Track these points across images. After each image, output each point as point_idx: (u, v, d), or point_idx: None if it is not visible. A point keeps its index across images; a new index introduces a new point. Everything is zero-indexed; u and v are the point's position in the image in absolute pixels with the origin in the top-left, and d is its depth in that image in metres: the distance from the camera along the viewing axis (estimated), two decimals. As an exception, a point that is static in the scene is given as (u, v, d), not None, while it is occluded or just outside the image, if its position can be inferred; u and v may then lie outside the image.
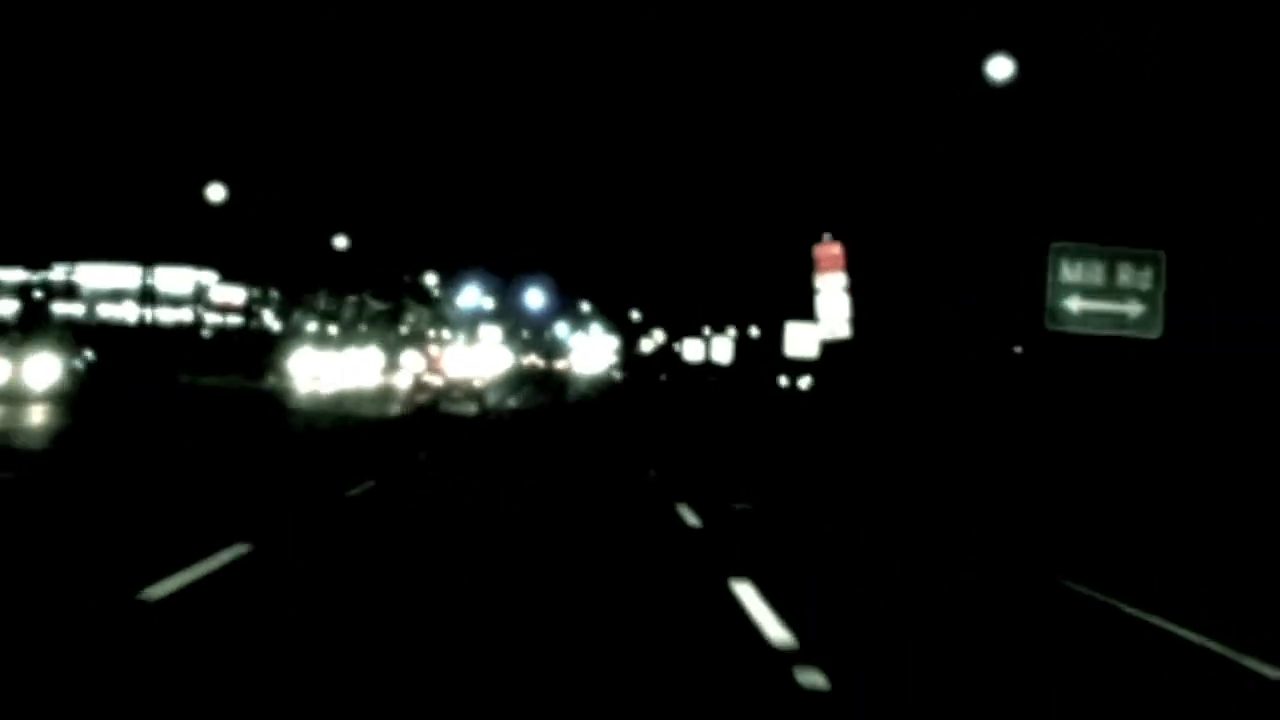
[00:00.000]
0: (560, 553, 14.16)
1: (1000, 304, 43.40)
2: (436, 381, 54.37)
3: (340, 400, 48.81)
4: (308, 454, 25.58)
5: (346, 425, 35.35)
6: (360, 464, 22.32)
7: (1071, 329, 27.33)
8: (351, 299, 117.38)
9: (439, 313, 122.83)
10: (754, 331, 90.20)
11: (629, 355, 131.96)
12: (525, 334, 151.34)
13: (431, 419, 40.37)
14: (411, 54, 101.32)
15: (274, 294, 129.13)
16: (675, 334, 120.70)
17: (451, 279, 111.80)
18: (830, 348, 44.35)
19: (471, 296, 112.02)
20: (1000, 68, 32.15)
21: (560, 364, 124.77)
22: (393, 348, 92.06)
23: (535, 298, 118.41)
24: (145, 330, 75.67)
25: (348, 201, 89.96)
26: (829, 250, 38.28)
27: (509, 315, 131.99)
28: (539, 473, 23.97)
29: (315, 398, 49.82)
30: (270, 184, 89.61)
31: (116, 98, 73.56)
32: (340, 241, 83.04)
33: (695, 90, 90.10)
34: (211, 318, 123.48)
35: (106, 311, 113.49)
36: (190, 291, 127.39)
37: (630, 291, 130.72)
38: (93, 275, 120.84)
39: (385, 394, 56.87)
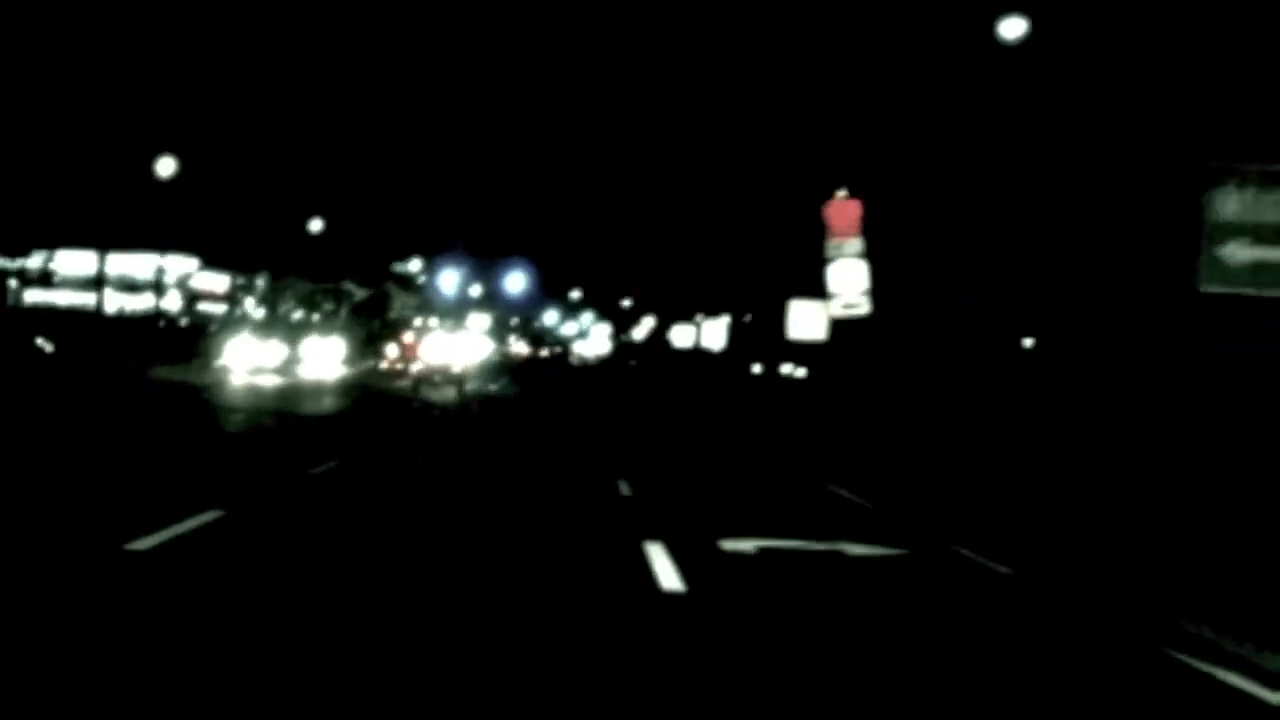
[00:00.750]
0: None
1: (1013, 292, 38.60)
2: (413, 368, 55.49)
3: (279, 393, 43.10)
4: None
5: (264, 423, 30.27)
6: (228, 475, 18.29)
7: (1238, 289, 20.14)
8: (329, 286, 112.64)
9: (423, 299, 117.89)
10: (750, 318, 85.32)
11: (617, 343, 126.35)
12: (514, 321, 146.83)
13: (370, 414, 35.74)
14: (389, 34, 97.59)
15: (259, 281, 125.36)
16: (666, 320, 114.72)
17: (433, 263, 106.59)
18: (841, 328, 38.55)
19: (450, 281, 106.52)
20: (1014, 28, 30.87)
21: (545, 352, 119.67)
22: (378, 336, 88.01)
23: (516, 281, 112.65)
24: (103, 319, 71.87)
25: (325, 185, 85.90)
26: (844, 210, 32.18)
27: (490, 300, 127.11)
28: (478, 500, 17.76)
29: (248, 390, 44.03)
30: (247, 167, 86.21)
31: (89, 82, 70.82)
32: (316, 225, 78.39)
33: (678, 54, 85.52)
34: (196, 305, 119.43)
35: (83, 299, 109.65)
36: (164, 278, 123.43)
37: (621, 278, 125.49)
38: (71, 262, 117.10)
39: (341, 386, 50.31)
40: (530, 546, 13.36)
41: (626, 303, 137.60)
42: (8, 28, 63.84)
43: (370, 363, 73.01)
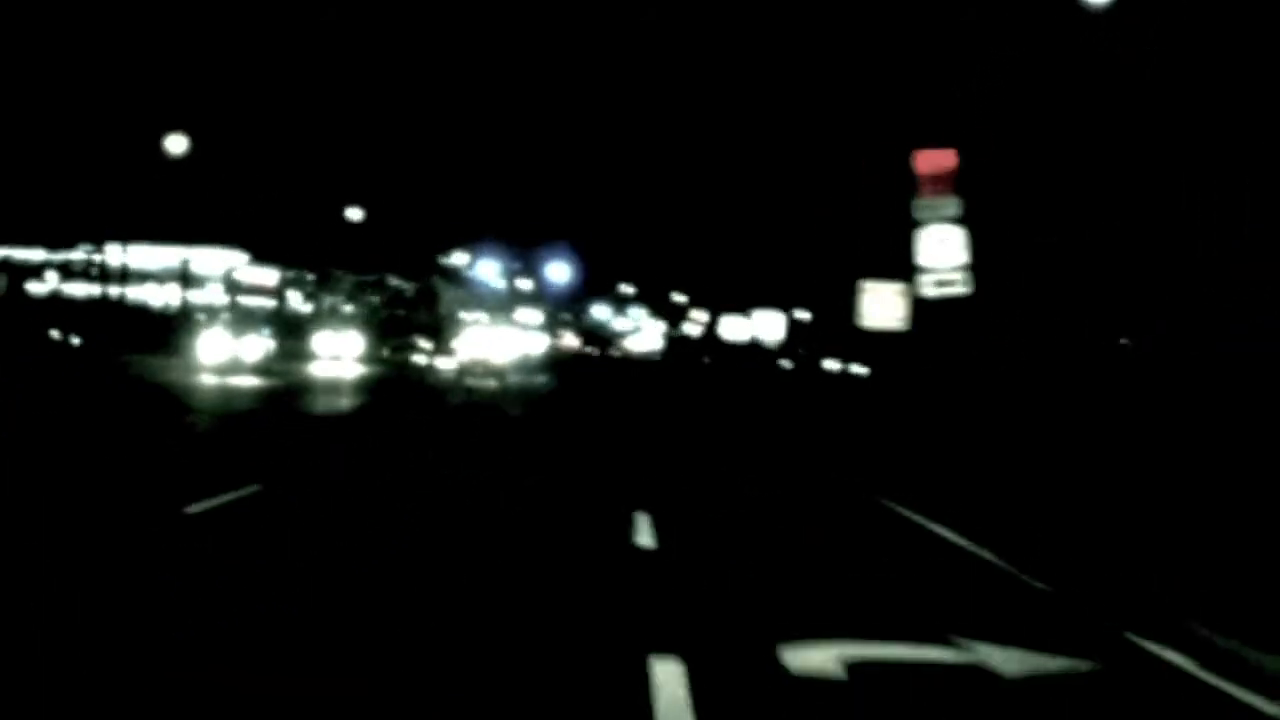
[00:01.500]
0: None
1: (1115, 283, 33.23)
2: (456, 361, 56.02)
3: (253, 392, 36.86)
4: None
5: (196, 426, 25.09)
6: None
7: None
8: (371, 279, 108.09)
9: (468, 293, 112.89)
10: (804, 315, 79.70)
11: (669, 340, 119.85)
12: (566, 316, 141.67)
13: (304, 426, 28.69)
14: (427, 20, 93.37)
15: (310, 276, 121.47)
16: (718, 313, 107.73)
17: (473, 252, 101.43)
18: (927, 314, 31.96)
19: (490, 270, 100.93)
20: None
21: (592, 348, 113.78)
22: (424, 329, 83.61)
23: (559, 271, 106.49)
24: (123, 310, 69.25)
25: (364, 175, 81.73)
26: (937, 161, 25.62)
27: (540, 295, 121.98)
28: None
29: (211, 384, 38.27)
30: (281, 156, 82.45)
31: (117, 72, 67.51)
32: (355, 214, 73.88)
33: (725, 35, 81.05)
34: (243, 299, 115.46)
35: (130, 292, 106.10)
36: (191, 270, 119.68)
37: (673, 271, 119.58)
38: (117, 256, 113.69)
39: (343, 385, 43.35)
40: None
41: (680, 298, 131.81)
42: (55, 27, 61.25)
43: (404, 356, 68.31)
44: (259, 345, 51.83)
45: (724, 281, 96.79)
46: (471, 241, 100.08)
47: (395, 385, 45.43)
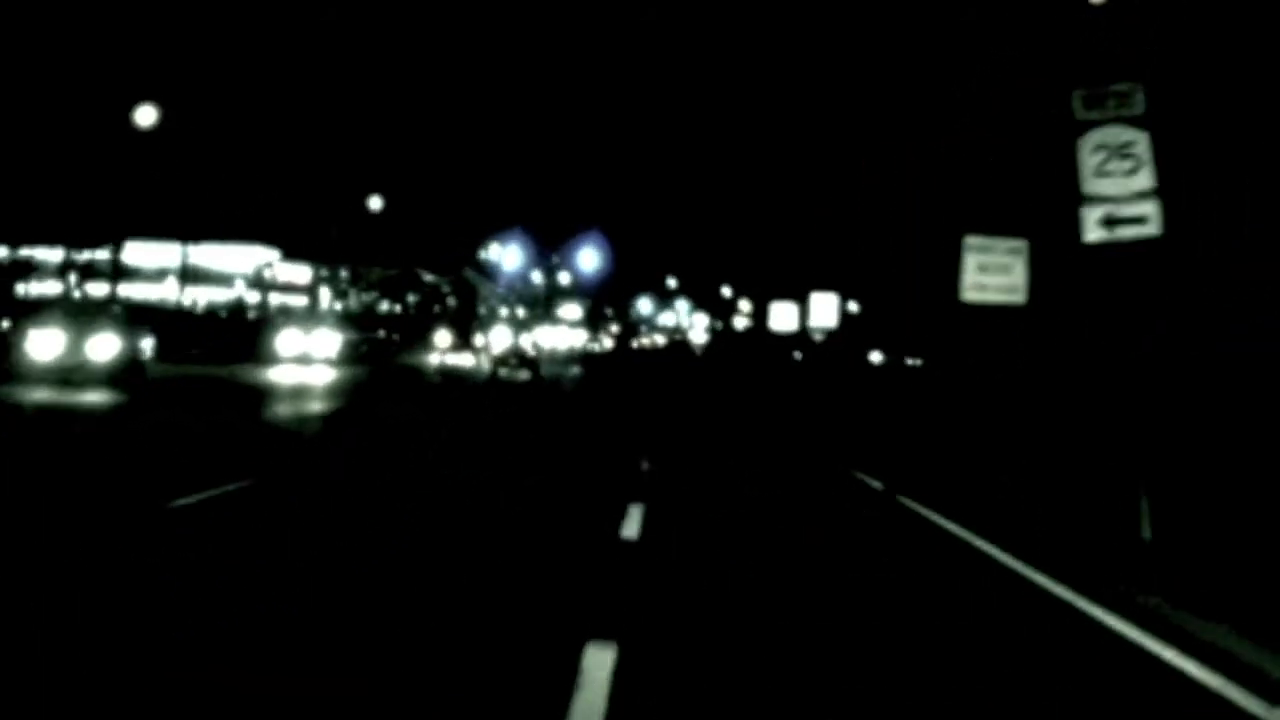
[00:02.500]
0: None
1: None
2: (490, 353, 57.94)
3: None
4: None
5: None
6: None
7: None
8: (395, 272, 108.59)
9: (504, 287, 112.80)
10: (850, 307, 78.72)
11: (713, 333, 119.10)
12: (609, 312, 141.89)
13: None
14: (450, 13, 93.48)
15: (344, 272, 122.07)
16: (764, 301, 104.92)
17: (498, 241, 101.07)
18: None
19: (514, 258, 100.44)
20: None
21: (634, 343, 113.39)
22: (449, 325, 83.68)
23: (588, 258, 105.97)
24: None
25: (385, 167, 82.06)
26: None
27: (578, 289, 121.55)
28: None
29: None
30: (304, 152, 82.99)
31: (122, 71, 67.93)
32: (375, 203, 73.98)
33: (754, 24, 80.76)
34: (276, 297, 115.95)
35: (151, 292, 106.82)
36: (247, 270, 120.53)
37: (717, 262, 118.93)
38: (141, 255, 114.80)
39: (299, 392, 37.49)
40: None
41: (726, 291, 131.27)
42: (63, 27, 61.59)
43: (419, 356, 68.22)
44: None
45: (771, 269, 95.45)
46: (498, 232, 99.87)
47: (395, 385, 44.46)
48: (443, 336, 62.04)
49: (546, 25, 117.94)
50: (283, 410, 29.26)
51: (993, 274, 21.88)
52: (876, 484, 19.16)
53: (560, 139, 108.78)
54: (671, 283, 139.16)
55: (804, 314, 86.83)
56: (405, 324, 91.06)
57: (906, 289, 63.62)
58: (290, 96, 78.93)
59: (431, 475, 17.75)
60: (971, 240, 22.08)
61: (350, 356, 57.76)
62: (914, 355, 79.74)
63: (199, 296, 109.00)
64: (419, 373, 54.28)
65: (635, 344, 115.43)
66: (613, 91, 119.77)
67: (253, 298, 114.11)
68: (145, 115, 51.56)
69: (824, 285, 77.73)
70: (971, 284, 22.04)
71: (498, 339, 59.30)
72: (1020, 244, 22.18)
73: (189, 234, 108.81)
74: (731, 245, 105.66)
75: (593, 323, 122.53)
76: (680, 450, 23.68)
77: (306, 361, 51.96)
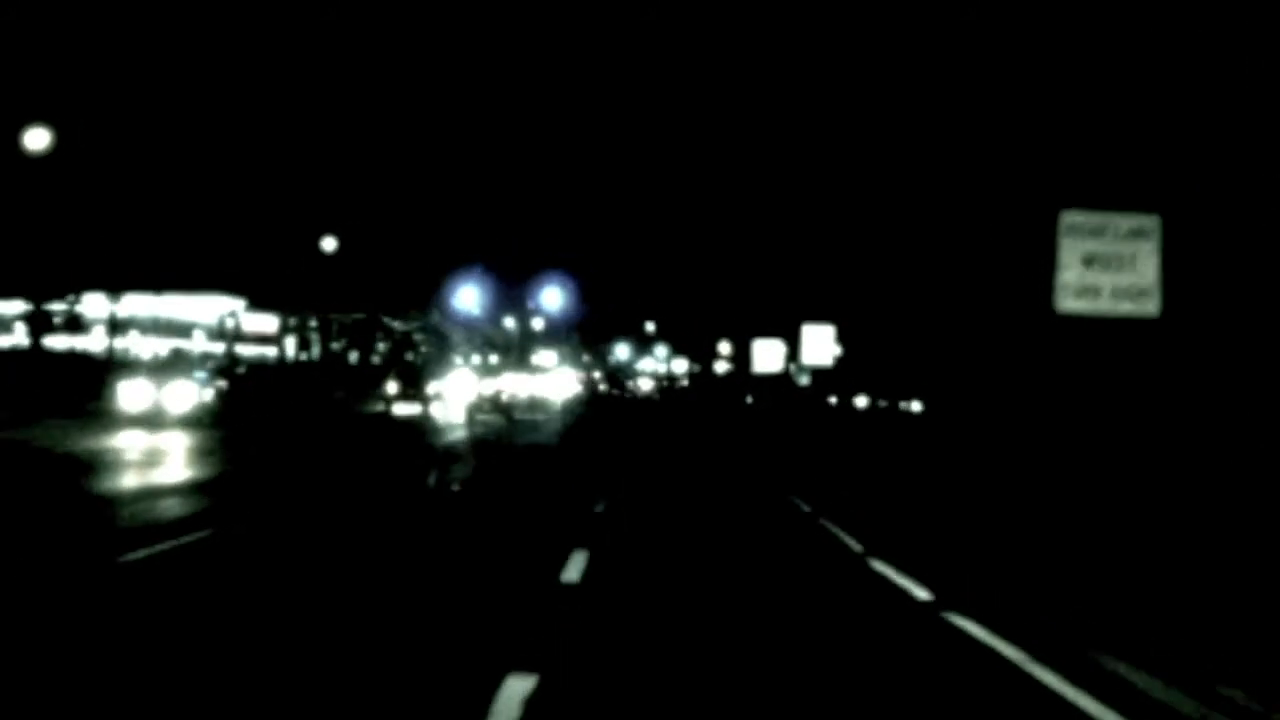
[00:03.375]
0: None
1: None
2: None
3: None
4: None
5: None
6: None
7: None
8: (356, 317, 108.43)
9: (478, 331, 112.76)
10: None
11: (692, 378, 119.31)
12: (586, 358, 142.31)
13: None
14: (394, 41, 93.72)
15: (313, 321, 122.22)
16: (746, 340, 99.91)
17: (451, 282, 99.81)
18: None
19: (470, 297, 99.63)
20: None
21: (604, 387, 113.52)
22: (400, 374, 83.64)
23: (552, 297, 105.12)
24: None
25: (341, 206, 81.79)
26: None
27: (558, 334, 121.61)
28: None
29: None
30: (259, 194, 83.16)
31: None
32: (329, 244, 73.66)
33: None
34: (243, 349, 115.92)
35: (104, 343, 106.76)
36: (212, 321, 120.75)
37: (697, 305, 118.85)
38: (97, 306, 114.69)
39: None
40: None
41: (707, 334, 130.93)
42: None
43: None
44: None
45: (752, 306, 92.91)
46: (458, 272, 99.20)
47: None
48: (391, 385, 60.69)
49: (505, 60, 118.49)
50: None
51: (1108, 270, 15.89)
52: (854, 543, 17.92)
53: (526, 178, 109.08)
54: (650, 327, 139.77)
55: (792, 352, 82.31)
56: (365, 374, 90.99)
57: (902, 324, 62.60)
58: (244, 138, 79.11)
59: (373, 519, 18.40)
60: (1074, 219, 16.23)
61: (211, 412, 46.52)
62: (909, 399, 78.77)
63: (160, 349, 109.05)
64: (365, 423, 51.16)
65: (610, 391, 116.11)
66: (577, 129, 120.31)
67: (216, 349, 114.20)
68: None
69: (813, 319, 73.39)
70: (1075, 285, 16.11)
71: (458, 386, 59.64)
72: (1149, 222, 16.27)
73: (151, 284, 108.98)
74: (710, 285, 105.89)
75: (566, 367, 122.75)
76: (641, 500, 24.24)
77: (154, 421, 41.97)
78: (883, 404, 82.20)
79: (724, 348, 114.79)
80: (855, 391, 79.35)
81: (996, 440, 36.95)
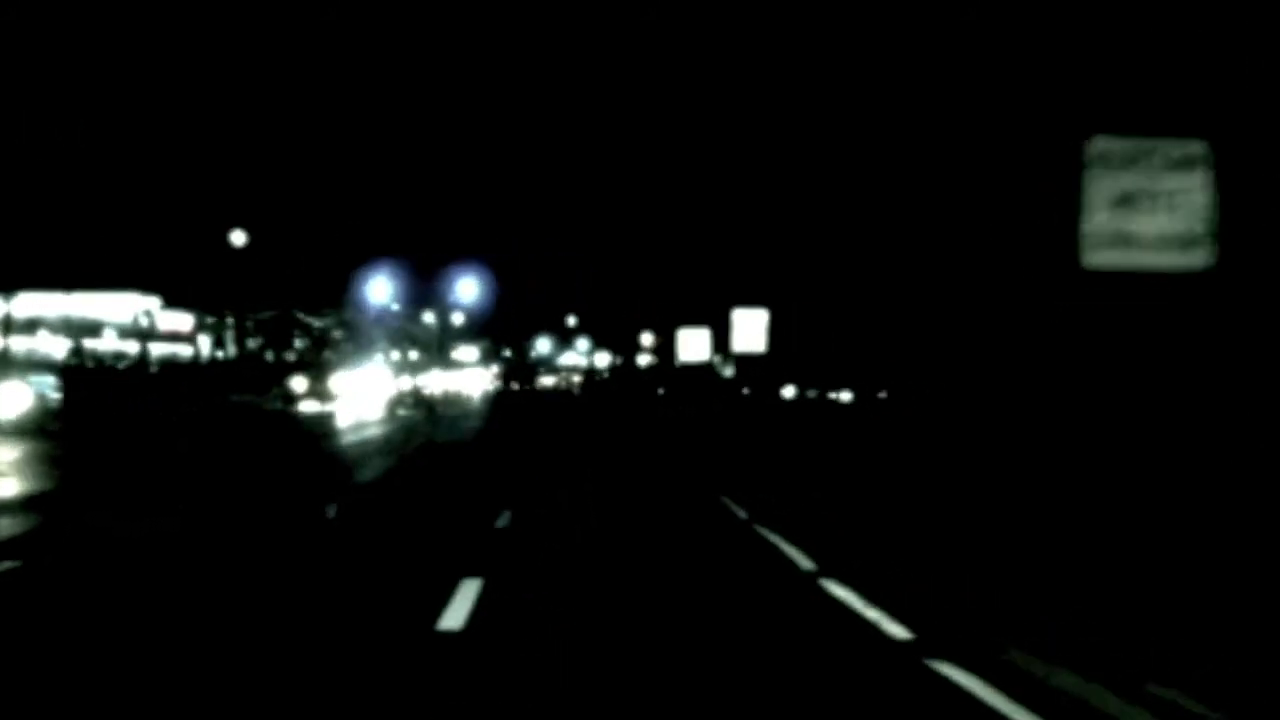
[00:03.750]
0: None
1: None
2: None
3: None
4: None
5: None
6: None
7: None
8: (269, 315, 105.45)
9: (395, 328, 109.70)
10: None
11: (613, 371, 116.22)
12: (506, 352, 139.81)
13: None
14: (307, 35, 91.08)
15: (230, 319, 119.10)
16: (670, 330, 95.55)
17: (359, 274, 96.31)
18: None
19: (382, 290, 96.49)
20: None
21: (516, 384, 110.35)
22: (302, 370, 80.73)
23: (468, 289, 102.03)
24: None
25: (248, 199, 78.98)
26: None
27: (476, 330, 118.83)
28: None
29: None
30: (166, 187, 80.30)
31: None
32: (238, 238, 70.86)
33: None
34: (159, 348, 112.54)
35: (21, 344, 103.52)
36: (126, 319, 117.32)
37: (620, 296, 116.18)
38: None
39: None
40: None
41: (629, 327, 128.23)
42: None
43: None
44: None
45: (677, 294, 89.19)
46: (368, 264, 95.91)
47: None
48: (296, 383, 58.12)
49: (412, 46, 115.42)
50: None
51: (1146, 212, 12.60)
52: (805, 562, 14.74)
53: (441, 168, 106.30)
54: (571, 321, 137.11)
55: (719, 341, 77.89)
56: (278, 372, 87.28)
57: (833, 311, 59.28)
58: (151, 133, 76.38)
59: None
60: (1106, 145, 13.00)
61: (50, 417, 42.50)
62: (838, 388, 75.53)
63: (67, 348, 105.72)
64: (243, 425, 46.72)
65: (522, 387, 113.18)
66: (489, 118, 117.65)
67: (131, 348, 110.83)
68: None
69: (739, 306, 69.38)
70: (1103, 232, 12.94)
71: (371, 382, 57.30)
72: (1195, 148, 13.09)
73: (65, 282, 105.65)
74: (632, 276, 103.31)
75: (485, 362, 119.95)
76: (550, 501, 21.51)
77: None
78: (811, 394, 78.56)
79: (646, 339, 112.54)
80: (782, 381, 76.04)
81: (955, 433, 34.18)
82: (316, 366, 70.89)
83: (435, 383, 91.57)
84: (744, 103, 66.09)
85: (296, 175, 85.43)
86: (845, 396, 74.33)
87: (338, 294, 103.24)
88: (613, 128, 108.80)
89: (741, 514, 19.84)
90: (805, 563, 14.70)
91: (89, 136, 74.13)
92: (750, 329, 67.67)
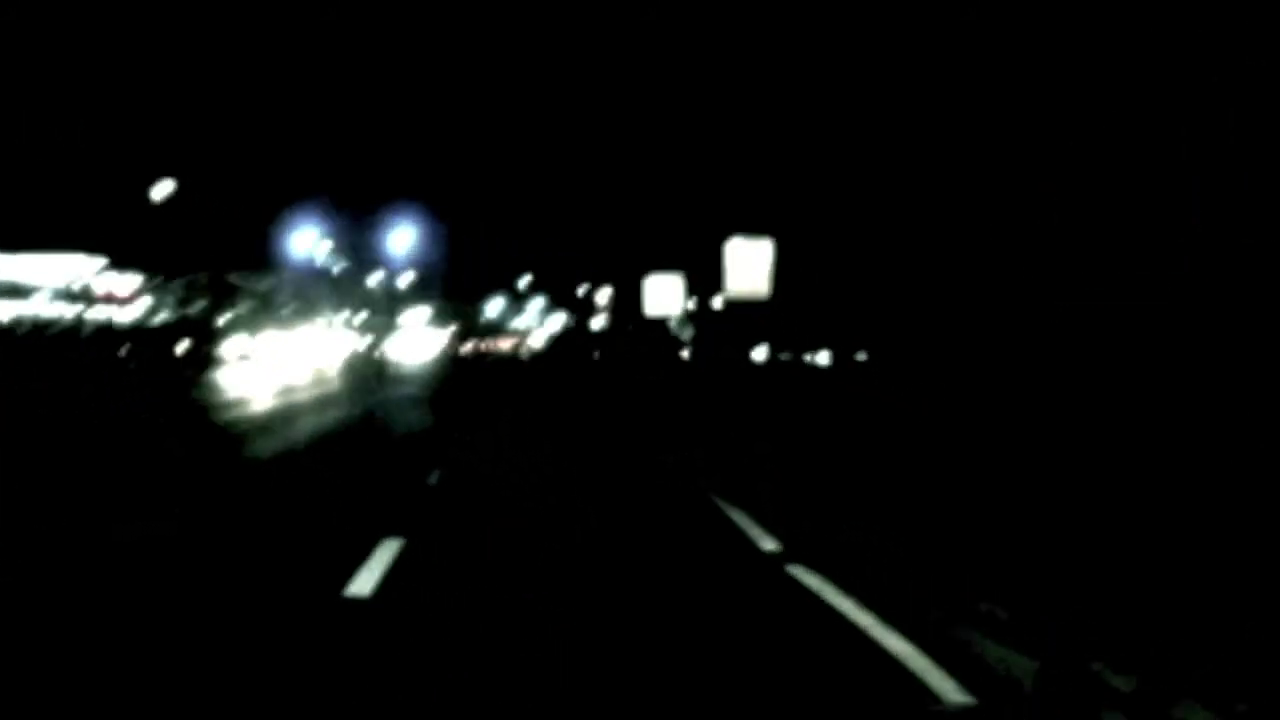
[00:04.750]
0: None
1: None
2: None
3: None
4: None
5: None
6: None
7: None
8: (199, 277, 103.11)
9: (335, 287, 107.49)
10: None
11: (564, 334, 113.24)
12: (455, 311, 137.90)
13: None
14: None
15: (171, 282, 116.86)
16: (633, 281, 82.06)
17: (282, 220, 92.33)
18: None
19: (306, 241, 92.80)
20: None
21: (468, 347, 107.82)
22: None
23: (402, 239, 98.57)
24: None
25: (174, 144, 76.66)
26: None
27: (425, 288, 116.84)
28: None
29: None
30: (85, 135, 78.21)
31: None
32: (163, 189, 68.36)
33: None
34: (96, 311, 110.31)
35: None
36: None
37: (578, 257, 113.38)
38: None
39: None
40: None
41: (585, 289, 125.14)
42: None
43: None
44: None
45: (640, 244, 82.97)
46: (300, 220, 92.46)
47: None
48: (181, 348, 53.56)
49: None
50: None
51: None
52: (769, 544, 12.58)
53: (389, 119, 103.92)
54: (524, 281, 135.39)
55: (697, 284, 69.24)
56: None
57: (814, 265, 54.53)
58: (75, 84, 74.12)
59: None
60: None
61: None
62: (815, 349, 69.88)
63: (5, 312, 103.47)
64: None
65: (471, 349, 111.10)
66: (433, 59, 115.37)
67: (68, 312, 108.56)
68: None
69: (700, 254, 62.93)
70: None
71: (305, 343, 55.37)
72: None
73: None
74: (585, 234, 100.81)
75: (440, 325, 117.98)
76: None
77: None
78: (784, 357, 71.80)
79: (602, 298, 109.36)
80: (753, 341, 70.46)
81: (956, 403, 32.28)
82: (199, 329, 67.56)
83: (386, 346, 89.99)
84: (711, 22, 63.88)
85: (227, 122, 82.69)
86: (823, 359, 67.64)
87: (267, 250, 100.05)
88: (557, 60, 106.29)
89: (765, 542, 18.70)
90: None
91: (22, 93, 72.12)
92: (749, 265, 53.72)
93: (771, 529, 13.22)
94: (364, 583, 10.00)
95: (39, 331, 68.87)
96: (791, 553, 11.84)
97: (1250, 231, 28.35)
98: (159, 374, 50.54)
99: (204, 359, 52.56)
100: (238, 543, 12.01)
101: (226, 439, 24.08)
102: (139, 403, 35.35)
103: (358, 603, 9.39)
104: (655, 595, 10.03)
